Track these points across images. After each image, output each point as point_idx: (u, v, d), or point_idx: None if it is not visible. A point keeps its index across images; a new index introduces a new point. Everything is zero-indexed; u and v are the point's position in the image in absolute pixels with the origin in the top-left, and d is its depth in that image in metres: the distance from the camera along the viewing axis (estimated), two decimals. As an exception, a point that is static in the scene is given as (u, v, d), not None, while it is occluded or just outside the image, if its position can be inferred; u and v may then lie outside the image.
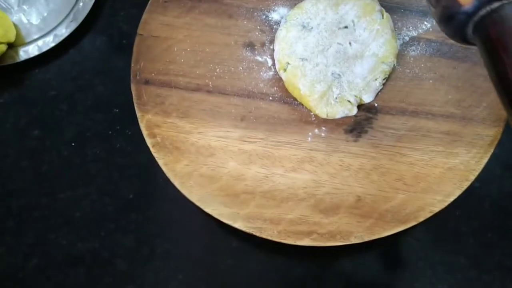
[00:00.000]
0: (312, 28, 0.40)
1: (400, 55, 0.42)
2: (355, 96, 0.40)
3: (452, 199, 0.39)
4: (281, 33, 0.41)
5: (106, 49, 0.46)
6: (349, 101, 0.40)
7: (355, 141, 0.40)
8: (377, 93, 0.41)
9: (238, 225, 0.38)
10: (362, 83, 0.40)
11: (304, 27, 0.40)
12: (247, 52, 0.43)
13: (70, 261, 0.42)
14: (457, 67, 0.41)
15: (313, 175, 0.40)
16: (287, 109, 0.41)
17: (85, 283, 0.42)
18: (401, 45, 0.42)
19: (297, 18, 0.41)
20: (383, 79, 0.40)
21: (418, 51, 0.42)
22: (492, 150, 0.40)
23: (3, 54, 0.44)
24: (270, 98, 0.42)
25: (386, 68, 0.40)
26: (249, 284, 0.42)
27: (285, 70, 0.40)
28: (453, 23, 0.26)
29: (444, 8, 0.26)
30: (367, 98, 0.40)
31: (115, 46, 0.46)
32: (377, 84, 0.40)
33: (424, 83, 0.41)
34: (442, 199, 0.39)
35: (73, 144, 0.44)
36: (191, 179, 0.39)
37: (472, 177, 0.39)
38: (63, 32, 0.45)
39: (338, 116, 0.40)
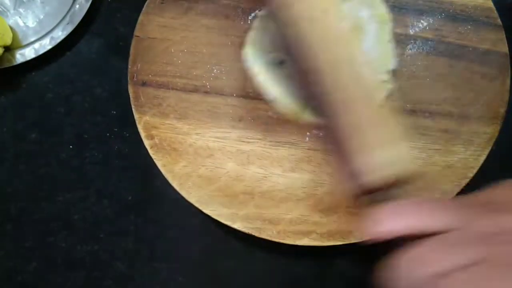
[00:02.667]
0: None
1: (397, 54, 0.42)
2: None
3: (450, 197, 0.39)
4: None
5: (103, 51, 0.46)
6: None
7: (353, 140, 0.40)
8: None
9: (237, 225, 0.38)
10: None
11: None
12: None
13: (70, 264, 0.42)
14: (454, 66, 0.41)
15: (312, 175, 0.40)
16: (285, 109, 0.41)
17: (84, 286, 0.42)
18: (397, 43, 0.42)
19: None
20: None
21: (414, 50, 0.42)
22: (490, 148, 0.40)
23: (0, 57, 0.44)
24: (268, 98, 0.42)
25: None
26: (249, 284, 0.42)
27: None
28: None
29: None
30: None
31: (112, 48, 0.46)
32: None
33: (421, 81, 0.41)
34: (440, 197, 0.39)
35: (71, 146, 0.44)
36: (189, 180, 0.39)
37: (471, 175, 0.39)
38: (60, 34, 0.45)
39: None
